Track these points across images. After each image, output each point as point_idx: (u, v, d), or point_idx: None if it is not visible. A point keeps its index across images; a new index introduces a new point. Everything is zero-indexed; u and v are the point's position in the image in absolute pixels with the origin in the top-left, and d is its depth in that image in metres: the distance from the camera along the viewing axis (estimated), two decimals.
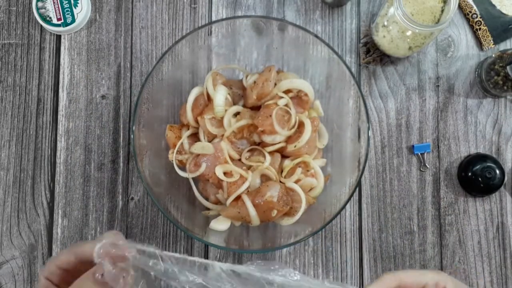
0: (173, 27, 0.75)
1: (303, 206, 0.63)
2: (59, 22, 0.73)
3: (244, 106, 0.68)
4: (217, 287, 0.41)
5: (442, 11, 0.64)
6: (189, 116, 0.67)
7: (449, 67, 0.74)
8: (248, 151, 0.67)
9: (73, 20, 0.73)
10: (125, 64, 0.74)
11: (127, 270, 0.40)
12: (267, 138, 0.64)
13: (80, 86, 0.74)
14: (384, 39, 0.68)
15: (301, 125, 0.65)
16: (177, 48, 0.64)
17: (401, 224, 0.72)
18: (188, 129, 0.68)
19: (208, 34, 0.67)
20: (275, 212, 0.62)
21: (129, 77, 0.74)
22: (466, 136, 0.73)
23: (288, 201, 0.63)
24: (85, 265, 0.42)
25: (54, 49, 0.75)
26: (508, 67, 0.66)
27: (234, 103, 0.67)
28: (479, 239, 0.72)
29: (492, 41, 0.74)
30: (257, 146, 0.66)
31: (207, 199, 0.68)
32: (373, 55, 0.73)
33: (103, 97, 0.74)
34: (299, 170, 0.65)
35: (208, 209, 0.68)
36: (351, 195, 0.61)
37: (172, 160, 0.66)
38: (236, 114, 0.66)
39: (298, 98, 0.67)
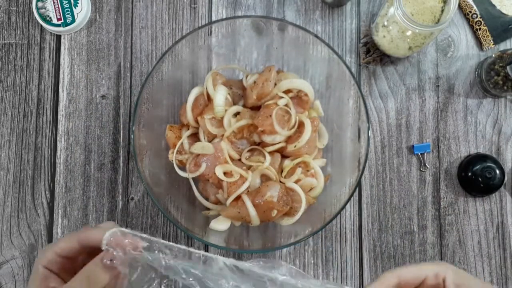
0: (173, 27, 0.75)
1: (303, 206, 0.63)
2: (59, 22, 0.73)
3: (244, 106, 0.68)
4: (218, 284, 0.41)
5: (442, 11, 0.64)
6: (189, 116, 0.67)
7: (449, 67, 0.74)
8: (248, 151, 0.67)
9: (73, 20, 0.73)
10: (125, 64, 0.74)
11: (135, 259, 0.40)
12: (267, 138, 0.64)
13: (80, 86, 0.74)
14: (384, 39, 0.68)
15: (301, 125, 0.65)
16: (177, 48, 0.64)
17: (401, 224, 0.72)
18: (188, 129, 0.68)
19: (208, 34, 0.67)
20: (275, 212, 0.62)
21: (129, 77, 0.74)
22: (466, 136, 0.73)
23: (288, 201, 0.63)
24: (85, 252, 0.42)
25: (54, 49, 0.75)
26: (508, 67, 0.66)
27: (234, 103, 0.67)
28: (479, 239, 0.72)
29: (492, 41, 0.74)
30: (257, 146, 0.66)
31: (207, 199, 0.68)
32: (373, 55, 0.73)
33: (103, 97, 0.74)
34: (299, 170, 0.65)
35: (208, 209, 0.68)
36: (351, 195, 0.61)
37: (172, 160, 0.66)
38: (236, 114, 0.66)
39: (298, 98, 0.67)
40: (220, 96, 0.64)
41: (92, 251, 0.42)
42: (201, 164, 0.64)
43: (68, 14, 0.73)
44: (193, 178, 0.67)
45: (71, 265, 0.43)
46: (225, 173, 0.64)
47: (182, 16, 0.75)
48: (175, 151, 0.66)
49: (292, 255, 0.71)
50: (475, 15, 0.74)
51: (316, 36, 0.63)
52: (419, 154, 0.73)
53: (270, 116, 0.63)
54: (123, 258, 0.40)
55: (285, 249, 0.71)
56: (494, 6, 0.74)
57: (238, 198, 0.63)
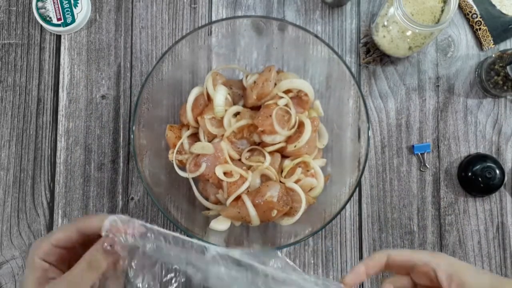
0: (173, 27, 0.75)
1: (303, 206, 0.63)
2: (59, 22, 0.73)
3: (244, 106, 0.68)
4: (212, 271, 0.41)
5: (442, 11, 0.64)
6: (189, 116, 0.67)
7: (449, 67, 0.74)
8: (248, 151, 0.67)
9: (73, 20, 0.73)
10: (125, 64, 0.74)
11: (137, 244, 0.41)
12: (267, 138, 0.64)
13: (80, 86, 0.74)
14: (384, 39, 0.68)
15: (301, 125, 0.65)
16: (177, 48, 0.64)
17: (401, 224, 0.72)
18: (188, 129, 0.68)
19: (208, 34, 0.67)
20: (275, 212, 0.62)
21: (129, 77, 0.74)
22: (466, 136, 0.73)
23: (288, 201, 0.63)
24: (82, 242, 0.43)
25: (54, 49, 0.75)
26: (508, 67, 0.66)
27: (234, 103, 0.67)
28: (479, 239, 0.72)
29: (492, 41, 0.74)
30: (257, 146, 0.66)
31: (207, 199, 0.68)
32: (373, 55, 0.73)
33: (103, 97, 0.74)
34: (299, 170, 0.65)
35: (208, 209, 0.68)
36: (351, 195, 0.61)
37: (172, 160, 0.66)
38: (236, 114, 0.66)
39: (298, 98, 0.67)
40: (220, 96, 0.64)
41: (87, 241, 0.43)
42: (201, 164, 0.64)
43: (68, 14, 0.73)
44: (193, 178, 0.67)
45: (68, 255, 0.43)
46: (225, 173, 0.64)
47: (182, 16, 0.75)
48: (175, 151, 0.66)
49: (292, 255, 0.71)
50: (475, 15, 0.74)
51: (316, 36, 0.63)
52: (419, 154, 0.73)
53: (270, 116, 0.63)
54: (123, 243, 0.41)
55: (285, 249, 0.71)
56: (494, 6, 0.74)
57: (238, 198, 0.63)
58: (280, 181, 0.65)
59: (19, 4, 0.75)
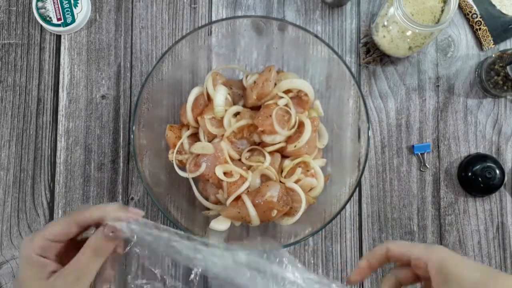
0: (173, 27, 0.75)
1: (303, 206, 0.63)
2: (59, 22, 0.73)
3: (244, 106, 0.68)
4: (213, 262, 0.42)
5: (442, 11, 0.64)
6: (189, 116, 0.67)
7: (449, 67, 0.74)
8: (248, 151, 0.67)
9: (73, 20, 0.73)
10: (125, 64, 0.74)
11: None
12: (267, 138, 0.64)
13: (80, 86, 0.74)
14: (384, 39, 0.68)
15: (301, 125, 0.65)
16: (177, 48, 0.64)
17: (401, 224, 0.72)
18: (188, 129, 0.68)
19: (208, 34, 0.67)
20: (275, 212, 0.62)
21: (129, 77, 0.74)
22: (466, 136, 0.73)
23: (288, 201, 0.63)
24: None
25: (54, 49, 0.75)
26: (508, 67, 0.66)
27: (234, 103, 0.67)
28: (479, 239, 0.72)
29: (492, 41, 0.74)
30: (257, 146, 0.66)
31: (207, 199, 0.68)
32: (373, 55, 0.73)
33: (103, 97, 0.74)
34: (299, 170, 0.65)
35: (208, 209, 0.68)
36: (351, 195, 0.61)
37: (172, 160, 0.66)
38: (236, 114, 0.66)
39: (298, 98, 0.67)
40: (220, 96, 0.64)
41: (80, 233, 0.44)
42: (201, 164, 0.64)
43: (68, 14, 0.73)
44: (193, 178, 0.67)
45: (64, 248, 0.44)
46: (225, 173, 0.64)
47: (182, 16, 0.75)
48: (175, 151, 0.66)
49: (292, 255, 0.70)
50: (475, 15, 0.74)
51: (316, 36, 0.63)
52: (419, 154, 0.73)
53: (270, 116, 0.63)
54: (124, 229, 0.43)
55: (285, 249, 0.70)
56: (494, 6, 0.74)
57: (238, 198, 0.63)
58: (280, 181, 0.65)
59: (19, 4, 0.75)
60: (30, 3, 0.74)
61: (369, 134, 0.62)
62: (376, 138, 0.73)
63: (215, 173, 0.63)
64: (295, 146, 0.64)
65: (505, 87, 0.68)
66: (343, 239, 0.71)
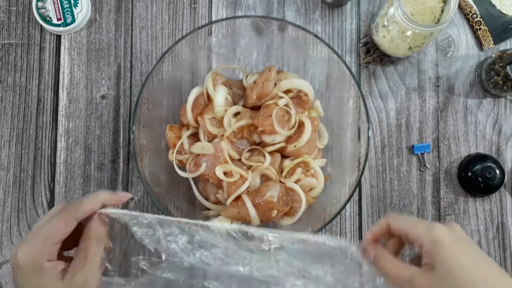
0: (173, 27, 0.75)
1: (303, 206, 0.63)
2: (59, 22, 0.73)
3: (244, 106, 0.68)
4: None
5: (442, 11, 0.64)
6: (189, 116, 0.67)
7: (449, 67, 0.74)
8: (248, 151, 0.66)
9: (73, 20, 0.73)
10: (125, 64, 0.74)
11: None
12: (267, 138, 0.64)
13: (80, 86, 0.74)
14: (384, 39, 0.68)
15: (301, 125, 0.65)
16: (177, 48, 0.64)
17: None
18: (188, 129, 0.68)
19: (208, 34, 0.67)
20: (275, 212, 0.62)
21: (129, 77, 0.74)
22: (466, 136, 0.73)
23: (288, 201, 0.63)
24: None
25: (54, 49, 0.75)
26: (508, 67, 0.66)
27: (234, 103, 0.67)
28: (479, 239, 0.72)
29: (492, 41, 0.74)
30: (257, 146, 0.66)
31: (207, 199, 0.68)
32: (373, 55, 0.73)
33: (103, 97, 0.74)
34: (299, 170, 0.65)
35: (208, 209, 0.68)
36: (351, 195, 0.61)
37: (172, 160, 0.66)
38: (236, 114, 0.66)
39: (298, 98, 0.67)
40: (220, 96, 0.64)
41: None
42: (201, 164, 0.64)
43: (68, 14, 0.73)
44: (193, 178, 0.67)
45: (63, 243, 0.45)
46: (225, 173, 0.64)
47: (182, 16, 0.75)
48: (175, 151, 0.66)
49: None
50: (475, 15, 0.74)
51: (316, 36, 0.63)
52: (419, 154, 0.73)
53: (270, 116, 0.63)
54: (117, 213, 0.46)
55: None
56: (494, 6, 0.74)
57: (238, 198, 0.63)
58: (280, 181, 0.65)
59: (19, 4, 0.75)
60: (30, 3, 0.74)
61: (369, 134, 0.62)
62: (376, 138, 0.73)
63: (215, 173, 0.63)
64: (295, 146, 0.64)
65: (505, 87, 0.68)
66: (343, 239, 0.71)
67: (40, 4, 0.73)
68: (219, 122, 0.65)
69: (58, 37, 0.75)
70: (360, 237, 0.71)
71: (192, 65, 0.70)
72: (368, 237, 0.47)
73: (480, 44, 0.75)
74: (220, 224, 0.48)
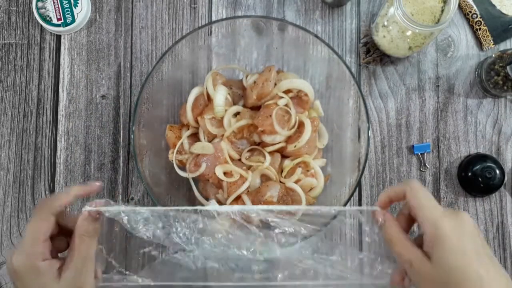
0: (173, 27, 0.75)
1: None
2: (59, 22, 0.73)
3: (244, 106, 0.68)
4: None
5: (442, 11, 0.64)
6: (189, 116, 0.67)
7: (449, 67, 0.74)
8: (248, 151, 0.67)
9: (73, 20, 0.73)
10: (125, 64, 0.74)
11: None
12: (267, 138, 0.64)
13: (80, 86, 0.74)
14: (384, 39, 0.68)
15: (301, 125, 0.65)
16: (177, 48, 0.64)
17: None
18: (188, 129, 0.68)
19: (208, 34, 0.67)
20: None
21: (129, 77, 0.74)
22: (466, 136, 0.73)
23: (288, 201, 0.63)
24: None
25: (54, 49, 0.75)
26: (508, 67, 0.66)
27: (234, 103, 0.67)
28: None
29: (492, 41, 0.74)
30: (257, 146, 0.66)
31: (207, 199, 0.68)
32: (373, 55, 0.73)
33: (103, 97, 0.74)
34: (299, 170, 0.65)
35: None
36: (351, 195, 0.61)
37: (172, 160, 0.66)
38: (236, 114, 0.66)
39: (298, 98, 0.67)
40: (220, 96, 0.64)
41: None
42: (201, 164, 0.64)
43: (68, 14, 0.73)
44: (193, 178, 0.67)
45: (52, 241, 0.46)
46: (225, 173, 0.64)
47: (182, 16, 0.75)
48: (175, 151, 0.66)
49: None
50: (475, 15, 0.74)
51: (316, 36, 0.63)
52: (419, 154, 0.73)
53: (270, 116, 0.63)
54: (111, 210, 0.46)
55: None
56: (494, 6, 0.74)
57: (238, 198, 0.63)
58: (280, 181, 0.65)
59: (19, 4, 0.75)
60: (30, 3, 0.74)
61: (369, 134, 0.62)
62: (376, 138, 0.73)
63: (215, 173, 0.63)
64: (295, 146, 0.64)
65: (505, 87, 0.68)
66: (343, 239, 0.71)
67: (40, 4, 0.73)
68: (219, 122, 0.65)
69: (58, 37, 0.75)
70: (360, 237, 0.71)
71: (192, 65, 0.70)
72: (382, 198, 0.47)
73: (480, 44, 0.75)
74: (219, 206, 0.48)
